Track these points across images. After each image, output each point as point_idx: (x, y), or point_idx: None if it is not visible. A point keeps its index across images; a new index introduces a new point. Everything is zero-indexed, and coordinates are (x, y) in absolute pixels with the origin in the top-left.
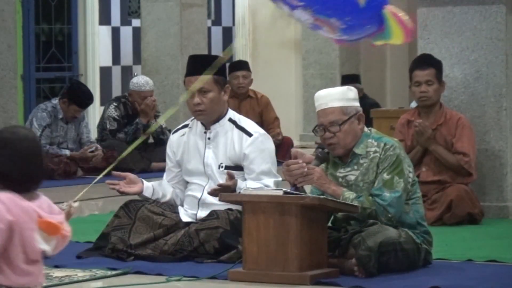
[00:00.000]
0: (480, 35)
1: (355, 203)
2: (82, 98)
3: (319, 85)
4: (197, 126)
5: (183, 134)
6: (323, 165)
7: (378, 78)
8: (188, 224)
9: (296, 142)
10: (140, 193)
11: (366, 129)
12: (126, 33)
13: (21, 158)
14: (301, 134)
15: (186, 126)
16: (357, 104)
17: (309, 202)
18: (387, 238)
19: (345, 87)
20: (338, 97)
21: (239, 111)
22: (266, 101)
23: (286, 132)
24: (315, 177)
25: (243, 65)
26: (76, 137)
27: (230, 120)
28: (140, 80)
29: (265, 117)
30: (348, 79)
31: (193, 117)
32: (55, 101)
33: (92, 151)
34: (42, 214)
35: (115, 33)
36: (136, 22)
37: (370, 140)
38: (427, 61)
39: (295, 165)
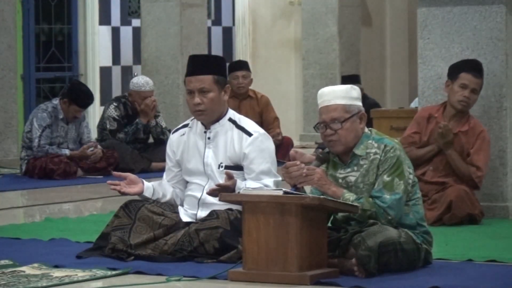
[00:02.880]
0: (480, 35)
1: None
2: (82, 98)
3: (319, 85)
4: (197, 125)
5: (183, 134)
6: (323, 166)
7: (378, 78)
8: (188, 224)
9: (296, 142)
10: (140, 194)
11: (366, 129)
12: (126, 33)
13: None
14: (301, 134)
15: (186, 125)
16: (360, 103)
17: (309, 202)
18: (387, 238)
19: (349, 86)
20: (342, 95)
21: (239, 111)
22: (266, 101)
23: (286, 132)
24: (316, 178)
25: (242, 65)
26: (76, 137)
27: (230, 120)
28: (140, 80)
29: (265, 117)
30: (348, 79)
31: (193, 117)
32: (56, 101)
33: (91, 150)
34: None
35: (115, 33)
36: (136, 22)
37: (370, 141)
38: (480, 71)
39: (294, 167)
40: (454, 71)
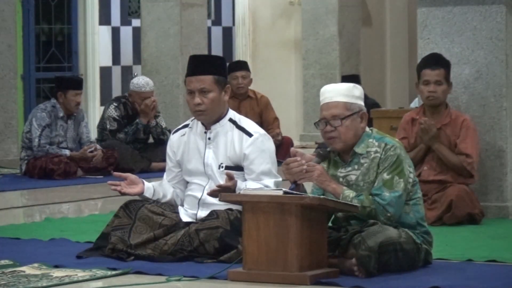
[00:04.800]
0: (480, 35)
1: (355, 201)
2: (72, 81)
3: (319, 85)
4: (198, 126)
5: (184, 134)
6: (324, 164)
7: (378, 78)
8: (188, 224)
9: (296, 142)
10: (141, 194)
11: (367, 129)
12: (126, 33)
13: None
14: (301, 134)
15: (186, 126)
16: (362, 102)
17: (309, 202)
18: (387, 238)
19: (351, 84)
20: (344, 92)
21: (239, 112)
22: (266, 101)
23: (286, 132)
24: (316, 174)
25: (242, 65)
26: (75, 137)
27: (231, 120)
28: (140, 81)
29: (265, 117)
30: (348, 79)
31: (193, 117)
32: (55, 100)
33: (91, 151)
34: None
35: (115, 33)
36: (136, 22)
37: (371, 140)
38: (438, 61)
39: (294, 163)
40: (417, 71)
